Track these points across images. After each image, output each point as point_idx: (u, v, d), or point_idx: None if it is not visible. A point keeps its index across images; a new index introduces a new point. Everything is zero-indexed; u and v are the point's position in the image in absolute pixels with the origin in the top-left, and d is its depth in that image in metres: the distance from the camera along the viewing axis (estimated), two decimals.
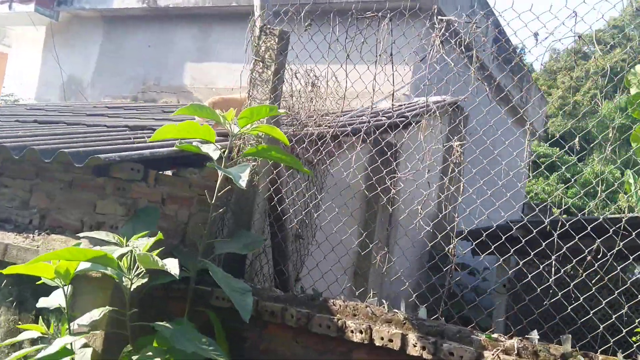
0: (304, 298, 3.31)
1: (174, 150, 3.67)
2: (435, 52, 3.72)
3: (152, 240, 3.03)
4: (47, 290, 3.14)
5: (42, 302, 3.15)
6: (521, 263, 3.35)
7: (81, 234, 3.31)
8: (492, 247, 3.36)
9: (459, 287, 6.75)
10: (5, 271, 2.86)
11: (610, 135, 3.14)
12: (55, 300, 3.09)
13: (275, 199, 3.96)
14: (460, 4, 8.74)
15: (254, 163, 3.70)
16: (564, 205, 13.56)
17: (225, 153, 3.46)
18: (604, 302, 2.96)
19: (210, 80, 9.96)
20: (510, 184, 4.02)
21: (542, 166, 6.69)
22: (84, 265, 2.92)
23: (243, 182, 3.05)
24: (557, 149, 22.84)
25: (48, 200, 3.70)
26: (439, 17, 3.77)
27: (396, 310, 3.04)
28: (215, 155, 3.36)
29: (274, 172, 3.91)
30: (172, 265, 2.78)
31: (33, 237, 3.58)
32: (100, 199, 3.54)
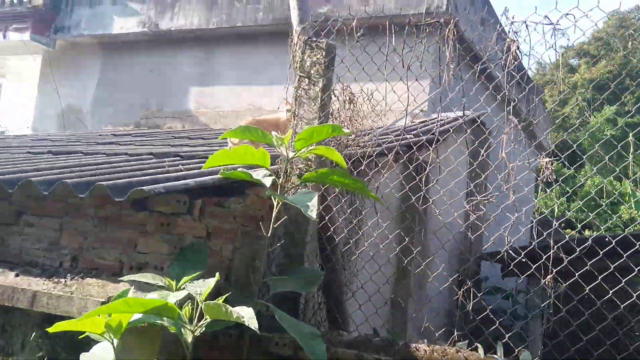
0: (380, 342, 2.92)
1: (219, 179, 3.30)
2: (452, 67, 3.51)
3: (212, 283, 2.66)
4: (82, 343, 2.73)
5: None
6: (564, 285, 3.05)
7: (124, 278, 2.92)
8: (533, 267, 3.06)
9: (495, 312, 6.39)
10: (52, 329, 2.44)
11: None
12: (101, 356, 2.68)
13: (331, 228, 3.59)
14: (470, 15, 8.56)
15: (311, 189, 3.34)
16: (575, 220, 13.31)
17: (281, 180, 3.11)
18: None
19: (216, 104, 9.63)
20: (526, 200, 3.79)
21: (558, 181, 6.37)
22: (138, 316, 2.52)
23: (313, 213, 2.69)
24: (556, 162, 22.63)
25: (81, 240, 3.30)
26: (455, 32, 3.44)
27: (494, 356, 2.67)
28: (268, 182, 3.01)
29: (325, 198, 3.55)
30: (249, 317, 2.39)
31: (65, 281, 3.17)
32: (142, 236, 3.16)
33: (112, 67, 10.37)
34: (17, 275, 3.24)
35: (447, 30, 3.64)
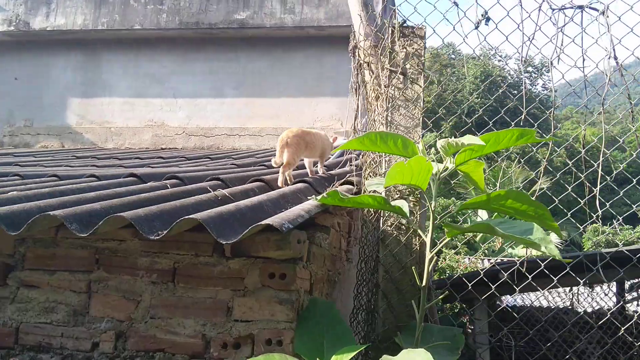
0: None
1: (323, 206, 2.39)
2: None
3: None
4: None
5: None
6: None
7: None
8: None
9: None
10: None
11: None
12: None
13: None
14: None
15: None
16: None
17: (432, 205, 2.28)
18: None
19: (105, 118, 8.19)
20: None
21: None
22: None
23: (553, 250, 1.91)
24: None
25: (129, 306, 2.15)
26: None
27: None
28: (406, 208, 2.21)
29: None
30: None
31: None
32: (239, 296, 2.11)
33: None
34: None
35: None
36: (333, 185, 3.24)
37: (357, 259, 3.30)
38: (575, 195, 3.12)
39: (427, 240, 2.19)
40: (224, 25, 7.78)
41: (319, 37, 7.83)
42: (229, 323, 2.09)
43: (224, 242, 1.84)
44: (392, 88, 2.78)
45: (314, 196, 2.53)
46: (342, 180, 3.21)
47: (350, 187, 3.12)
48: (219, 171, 3.98)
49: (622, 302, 7.52)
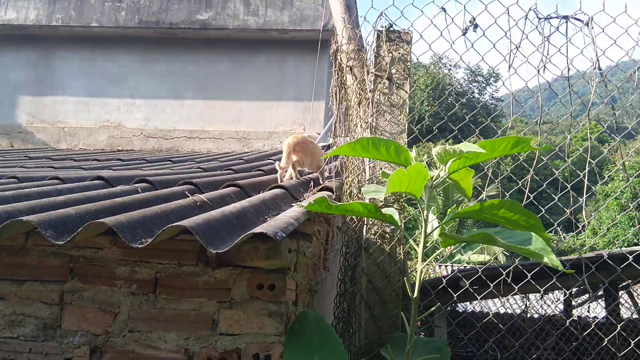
0: None
1: (308, 214, 2.31)
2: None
3: None
4: None
5: None
6: None
7: None
8: None
9: None
10: None
11: None
12: None
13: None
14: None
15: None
16: None
17: (424, 214, 2.24)
18: None
19: (58, 118, 7.88)
20: None
21: None
22: None
23: (555, 261, 1.88)
24: None
25: (106, 319, 2.01)
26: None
27: None
28: (397, 216, 2.17)
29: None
30: None
31: None
32: (225, 308, 2.00)
33: None
34: None
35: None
36: (310, 191, 3.16)
37: (334, 267, 3.23)
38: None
39: (420, 250, 2.14)
40: (185, 26, 7.60)
41: (282, 40, 7.75)
42: (214, 337, 1.98)
43: (214, 251, 1.73)
44: (378, 93, 2.72)
45: (298, 203, 2.44)
46: (320, 186, 3.13)
47: (330, 193, 3.05)
48: (188, 175, 3.85)
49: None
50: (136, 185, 3.11)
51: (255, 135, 7.54)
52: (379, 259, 2.61)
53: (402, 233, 2.62)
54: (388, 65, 2.75)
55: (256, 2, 7.57)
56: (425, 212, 2.18)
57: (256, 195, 2.93)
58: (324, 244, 3.09)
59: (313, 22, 7.46)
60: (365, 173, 2.71)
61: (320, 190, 3.13)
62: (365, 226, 2.65)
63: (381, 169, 2.64)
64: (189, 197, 2.60)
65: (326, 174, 3.47)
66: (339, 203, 2.18)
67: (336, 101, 3.04)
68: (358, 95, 2.79)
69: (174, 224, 1.80)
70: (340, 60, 2.98)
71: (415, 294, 2.14)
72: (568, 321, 5.43)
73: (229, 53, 7.79)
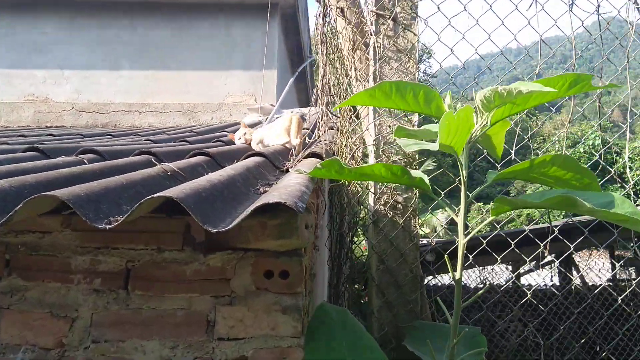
0: None
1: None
2: None
3: None
4: None
5: None
6: None
7: None
8: None
9: None
10: None
11: None
12: None
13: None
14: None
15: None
16: None
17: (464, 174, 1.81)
18: None
19: None
20: None
21: None
22: None
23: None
24: None
25: (59, 327, 1.48)
26: None
27: None
28: (427, 180, 1.76)
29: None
30: None
31: None
32: (226, 304, 1.51)
33: None
34: None
35: None
36: (292, 158, 2.68)
37: (323, 246, 2.77)
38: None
39: (460, 221, 1.71)
40: None
41: (228, 3, 7.13)
42: (210, 343, 1.49)
43: (213, 230, 1.23)
44: (382, 36, 2.25)
45: (299, 169, 1.95)
46: (307, 152, 2.65)
47: (318, 160, 2.58)
48: (140, 146, 3.28)
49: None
50: (81, 156, 2.55)
51: (202, 107, 6.92)
52: (391, 234, 2.16)
53: (416, 203, 2.18)
54: (391, 3, 2.28)
55: None
56: (464, 172, 1.75)
57: (230, 165, 2.44)
58: (315, 218, 2.62)
59: None
60: (370, 132, 2.24)
61: (307, 157, 2.65)
62: (373, 195, 2.20)
63: (389, 126, 2.18)
64: (153, 167, 2.07)
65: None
66: (353, 166, 1.72)
67: (324, 53, 2.54)
68: (353, 41, 2.31)
69: (155, 195, 1.29)
70: (328, 1, 2.48)
71: (458, 275, 1.72)
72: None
73: (170, 18, 7.11)
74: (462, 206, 1.71)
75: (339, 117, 2.58)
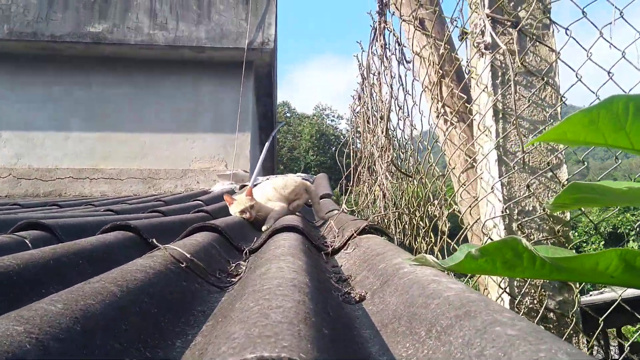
0: None
1: None
2: None
3: None
4: None
5: None
6: None
7: None
8: None
9: None
10: None
11: None
12: None
13: None
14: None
15: None
16: None
17: None
18: None
19: None
20: None
21: None
22: None
23: None
24: None
25: None
26: None
27: None
28: None
29: None
30: None
31: None
32: None
33: None
34: None
35: None
36: (338, 236, 1.84)
37: None
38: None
39: None
40: (71, 39, 6.02)
41: (196, 60, 6.39)
42: None
43: None
44: (501, 51, 1.50)
45: (412, 259, 1.12)
46: (359, 228, 1.82)
47: (384, 238, 1.76)
48: (103, 218, 2.40)
49: None
50: (21, 234, 1.66)
51: (164, 174, 6.01)
52: None
53: (578, 313, 1.37)
54: (513, 5, 1.54)
55: (165, 13, 6.18)
56: None
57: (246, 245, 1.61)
58: None
59: (236, 39, 6.18)
60: (497, 195, 1.43)
61: (361, 233, 1.82)
62: (506, 297, 1.37)
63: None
64: (140, 248, 1.21)
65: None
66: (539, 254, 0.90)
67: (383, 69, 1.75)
68: (445, 63, 1.54)
69: None
70: (395, 9, 1.72)
71: None
72: None
73: (130, 74, 6.28)
74: None
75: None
